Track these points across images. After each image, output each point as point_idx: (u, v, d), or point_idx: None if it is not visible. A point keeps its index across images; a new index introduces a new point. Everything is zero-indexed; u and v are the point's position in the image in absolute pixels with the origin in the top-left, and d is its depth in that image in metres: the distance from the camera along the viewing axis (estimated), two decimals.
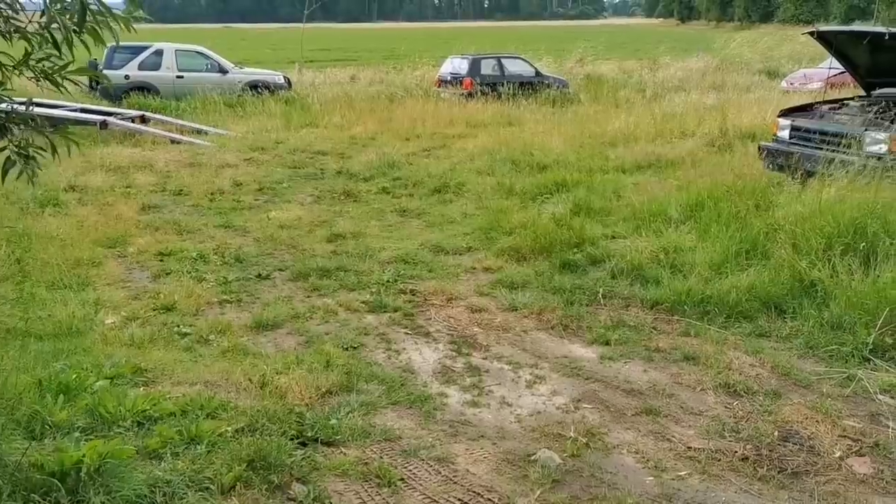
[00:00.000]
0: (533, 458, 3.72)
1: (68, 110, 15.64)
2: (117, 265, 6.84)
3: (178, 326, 5.27)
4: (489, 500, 3.37)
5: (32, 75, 2.24)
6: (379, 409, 4.17)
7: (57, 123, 14.82)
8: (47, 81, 2.24)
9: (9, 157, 2.26)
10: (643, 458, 3.78)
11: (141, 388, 4.20)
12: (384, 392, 4.38)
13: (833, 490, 3.50)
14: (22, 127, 2.28)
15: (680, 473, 3.65)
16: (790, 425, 4.04)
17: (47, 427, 3.49)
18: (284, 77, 21.06)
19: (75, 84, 2.28)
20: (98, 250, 7.14)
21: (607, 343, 5.17)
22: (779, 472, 3.63)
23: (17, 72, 2.23)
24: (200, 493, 3.16)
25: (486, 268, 6.74)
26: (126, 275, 6.60)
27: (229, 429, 3.65)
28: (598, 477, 3.59)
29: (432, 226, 8.24)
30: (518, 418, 4.17)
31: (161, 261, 6.97)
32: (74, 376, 4.03)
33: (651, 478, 3.61)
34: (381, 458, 3.67)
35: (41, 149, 2.26)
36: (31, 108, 2.35)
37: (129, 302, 5.82)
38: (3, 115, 2.28)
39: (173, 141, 14.21)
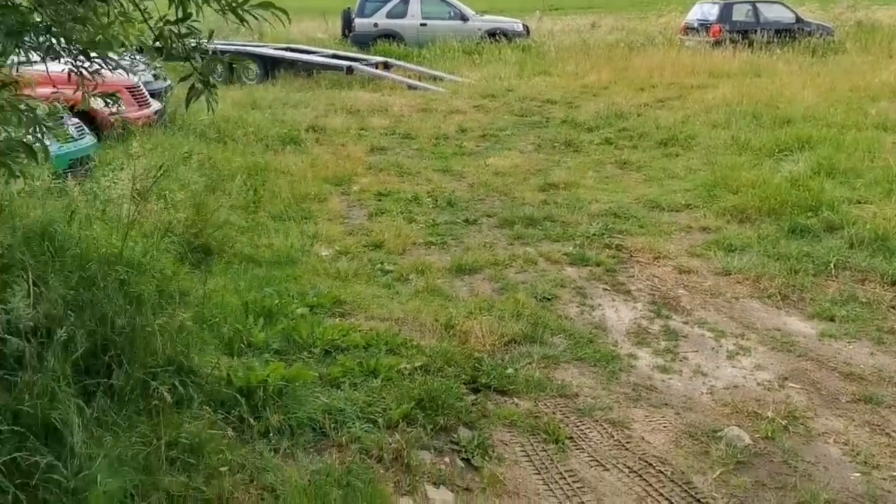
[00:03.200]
0: (719, 434, 3.42)
1: (321, 56, 16.76)
2: (340, 202, 7.22)
3: (383, 264, 5.45)
4: (661, 472, 3.15)
5: (218, 7, 2.33)
6: (561, 364, 4.04)
7: (311, 68, 15.89)
8: (232, 14, 2.32)
9: (193, 86, 2.40)
10: (851, 450, 3.34)
11: (336, 319, 4.40)
12: (570, 347, 4.23)
13: None
14: (204, 57, 2.39)
15: (895, 473, 3.18)
16: None
17: (244, 346, 3.76)
18: (523, 25, 20.95)
19: (256, 18, 2.34)
20: (325, 187, 7.58)
21: (831, 319, 4.61)
22: None
23: (204, 3, 2.34)
24: (368, 423, 3.24)
25: (704, 227, 6.28)
26: (346, 211, 6.94)
27: (407, 366, 3.72)
28: (792, 464, 3.22)
29: (651, 180, 7.82)
30: (711, 390, 3.85)
31: (379, 200, 7.25)
32: (277, 301, 4.30)
33: (857, 474, 3.18)
34: (554, 413, 3.56)
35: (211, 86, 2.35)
36: (210, 41, 2.46)
37: (343, 237, 6.12)
38: (192, 49, 2.40)
39: (410, 87, 14.75)
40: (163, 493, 2.68)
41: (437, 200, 7.19)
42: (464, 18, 20.09)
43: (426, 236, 6.16)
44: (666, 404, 3.69)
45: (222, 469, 2.82)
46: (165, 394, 2.79)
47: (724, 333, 4.47)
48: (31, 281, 3.26)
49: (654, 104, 12.02)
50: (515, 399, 3.65)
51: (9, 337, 2.88)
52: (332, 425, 3.20)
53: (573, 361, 4.09)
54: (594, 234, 6.10)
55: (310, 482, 2.75)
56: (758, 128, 9.57)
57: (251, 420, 3.13)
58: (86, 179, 5.87)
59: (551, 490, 3.02)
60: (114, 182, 5.37)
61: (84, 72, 3.14)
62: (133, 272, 3.52)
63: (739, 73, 14.36)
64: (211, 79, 2.35)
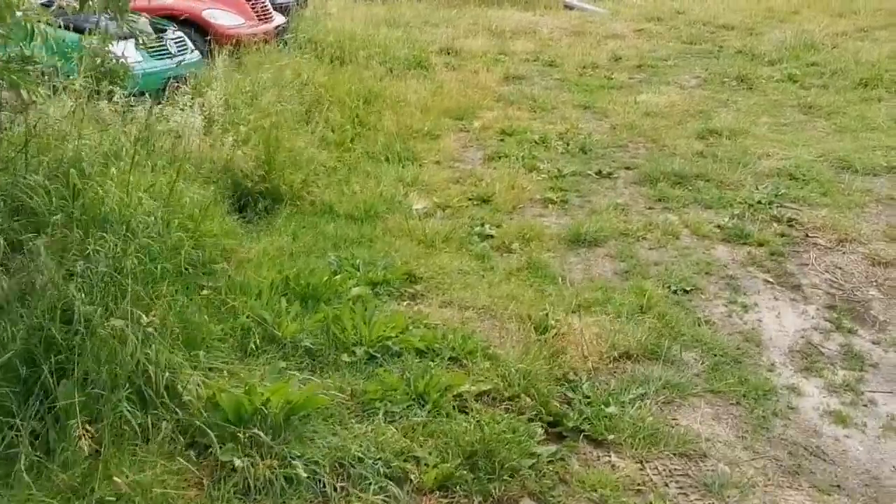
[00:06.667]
0: None
1: None
2: (455, 140, 6.25)
3: (483, 225, 4.45)
4: None
5: None
6: (688, 398, 2.93)
7: None
8: None
9: None
10: None
11: (404, 303, 3.47)
12: (705, 370, 3.10)
13: None
14: None
15: None
16: None
17: (262, 343, 2.90)
18: None
19: None
20: (443, 121, 6.64)
21: None
22: None
23: None
24: (389, 485, 2.30)
25: None
26: (460, 152, 5.97)
27: (470, 389, 2.74)
28: None
29: (843, 131, 6.26)
30: None
31: (501, 140, 6.22)
32: (326, 279, 3.40)
33: None
34: (667, 486, 2.48)
35: None
36: None
37: (447, 185, 5.16)
38: None
39: (567, 6, 13.43)
40: None
41: (568, 144, 6.04)
42: None
43: (545, 191, 5.08)
44: (839, 486, 2.52)
45: None
46: (84, 445, 1.97)
47: None
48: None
49: (855, 34, 10.04)
50: (614, 455, 2.59)
51: None
52: (340, 484, 2.29)
53: (707, 395, 2.96)
54: (760, 202, 4.79)
55: None
56: None
57: (232, 466, 2.29)
58: (162, 103, 5.15)
59: None
60: (180, 109, 4.65)
61: None
62: (118, 238, 2.72)
63: None
64: None
